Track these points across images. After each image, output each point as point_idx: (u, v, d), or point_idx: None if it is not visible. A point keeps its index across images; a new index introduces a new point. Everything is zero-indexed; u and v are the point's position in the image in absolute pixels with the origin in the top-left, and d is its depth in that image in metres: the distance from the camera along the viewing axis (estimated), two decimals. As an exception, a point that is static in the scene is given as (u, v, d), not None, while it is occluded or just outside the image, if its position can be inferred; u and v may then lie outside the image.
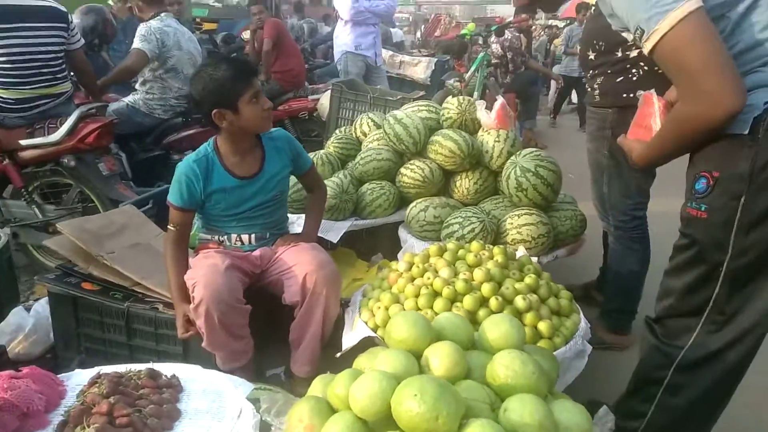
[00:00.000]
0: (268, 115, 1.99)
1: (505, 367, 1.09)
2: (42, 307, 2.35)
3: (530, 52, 8.14)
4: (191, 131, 3.91)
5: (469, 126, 2.74)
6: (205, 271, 1.86)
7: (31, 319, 2.28)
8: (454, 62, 6.68)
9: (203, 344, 1.87)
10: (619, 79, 2.18)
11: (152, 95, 3.83)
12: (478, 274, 1.85)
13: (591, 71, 2.29)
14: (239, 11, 11.59)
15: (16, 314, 2.27)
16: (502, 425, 1.00)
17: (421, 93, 4.19)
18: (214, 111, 1.90)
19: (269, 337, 2.18)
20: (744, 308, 1.34)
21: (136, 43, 3.67)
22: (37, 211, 3.13)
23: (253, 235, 2.11)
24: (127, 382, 1.38)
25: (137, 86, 3.91)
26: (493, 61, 5.92)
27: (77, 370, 1.51)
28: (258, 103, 1.93)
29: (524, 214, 2.37)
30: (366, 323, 1.88)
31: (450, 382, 1.06)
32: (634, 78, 2.13)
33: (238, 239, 2.11)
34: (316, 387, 1.20)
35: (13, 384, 1.31)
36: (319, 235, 2.43)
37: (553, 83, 9.18)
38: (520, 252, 2.19)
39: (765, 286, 1.32)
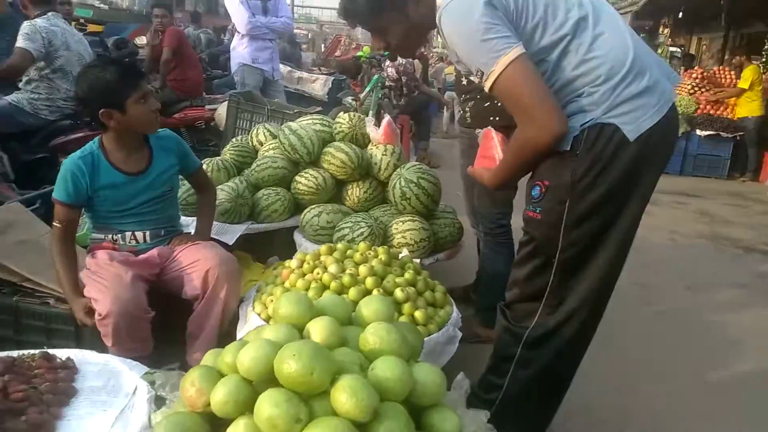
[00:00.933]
0: (156, 116, 2.10)
1: (373, 334, 1.29)
2: None
3: (426, 78, 8.63)
4: (80, 134, 3.83)
5: (359, 140, 2.98)
6: (110, 284, 1.92)
7: None
8: (351, 82, 6.97)
9: (108, 345, 1.90)
10: (486, 104, 2.51)
11: (38, 95, 3.73)
12: (363, 269, 2.06)
13: (463, 95, 2.61)
14: (128, 15, 11.25)
15: None
16: (369, 380, 1.20)
17: (318, 108, 4.39)
18: (102, 111, 1.98)
19: (165, 335, 2.25)
20: (572, 292, 1.64)
21: (20, 42, 3.56)
22: None
23: (147, 233, 2.18)
24: (21, 363, 1.44)
25: (21, 85, 3.79)
26: (387, 83, 6.26)
27: (-34, 357, 1.52)
28: (146, 103, 2.03)
29: (408, 221, 2.63)
30: (259, 315, 2.02)
31: (328, 349, 1.25)
32: (499, 104, 2.47)
33: (132, 237, 2.16)
34: (207, 359, 1.33)
35: None
36: (215, 237, 2.54)
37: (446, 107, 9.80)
38: (404, 253, 2.43)
39: (587, 275, 1.63)
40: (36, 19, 3.69)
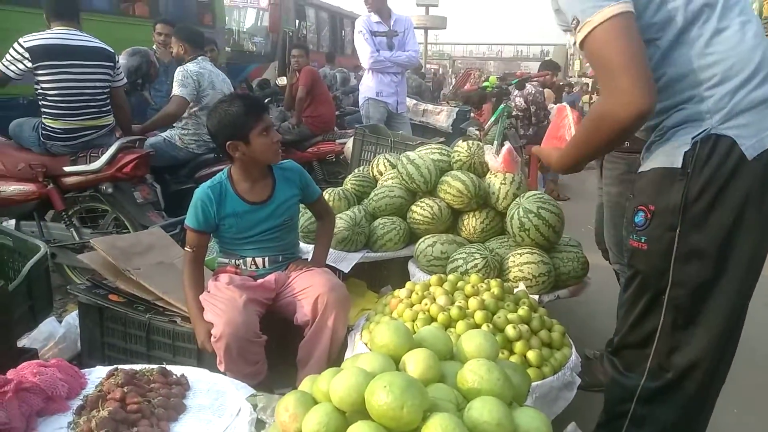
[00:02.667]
0: (277, 148, 2.19)
1: (472, 372, 1.20)
2: (73, 319, 2.55)
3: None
4: (222, 166, 4.14)
5: (478, 169, 2.90)
6: (224, 307, 2.01)
7: (61, 329, 2.47)
8: (474, 112, 6.92)
9: (220, 368, 1.97)
10: None
11: (187, 131, 4.10)
12: (473, 303, 1.97)
13: None
14: (248, 56, 12.18)
15: (48, 324, 2.46)
16: (464, 422, 1.11)
17: (441, 139, 4.39)
18: (228, 143, 2.12)
19: (280, 359, 2.31)
20: (690, 337, 1.39)
21: (176, 89, 3.95)
22: (74, 233, 3.37)
23: (267, 258, 2.27)
24: (141, 377, 1.54)
25: (174, 123, 4.20)
26: (515, 113, 6.12)
27: (98, 367, 1.67)
28: (268, 136, 2.14)
29: (526, 253, 2.49)
30: (366, 344, 2.01)
31: (423, 384, 1.18)
32: None
33: (253, 262, 2.27)
34: (305, 384, 1.32)
35: (41, 371, 1.48)
36: (331, 264, 2.59)
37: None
38: (520, 288, 2.30)
39: (706, 316, 1.36)
40: (187, 65, 4.11)
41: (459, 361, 1.35)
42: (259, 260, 2.28)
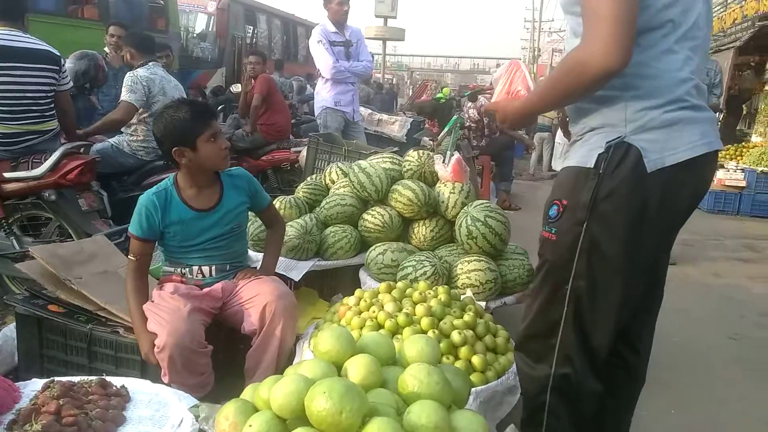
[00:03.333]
0: (226, 155, 2.17)
1: (412, 376, 1.23)
2: (11, 331, 2.45)
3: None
4: (171, 173, 4.08)
5: (428, 178, 2.95)
6: (168, 317, 1.97)
7: (-2, 341, 2.37)
8: (428, 122, 7.03)
9: (165, 380, 1.93)
10: None
11: (136, 137, 4.01)
12: (420, 309, 2.00)
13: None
14: (194, 61, 11.99)
15: (-16, 336, 2.36)
16: (403, 426, 1.13)
17: (395, 149, 4.43)
18: (175, 149, 2.09)
19: (227, 369, 2.28)
20: (594, 327, 1.44)
21: (124, 95, 3.86)
22: (15, 242, 3.24)
23: (213, 267, 2.24)
24: (79, 389, 1.49)
25: (122, 128, 4.11)
26: (468, 123, 6.24)
27: (35, 379, 1.62)
28: (216, 142, 2.11)
29: (473, 261, 2.54)
30: (313, 352, 2.00)
31: (364, 389, 1.19)
32: None
33: (199, 271, 2.24)
34: (246, 393, 1.32)
35: (-30, 385, 1.42)
36: (282, 273, 2.58)
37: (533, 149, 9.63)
38: (467, 294, 2.35)
39: (608, 308, 1.43)
40: (138, 69, 4.02)
41: (401, 366, 1.37)
42: (205, 269, 2.25)
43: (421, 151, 3.04)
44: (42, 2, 7.19)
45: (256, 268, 2.41)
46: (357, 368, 1.25)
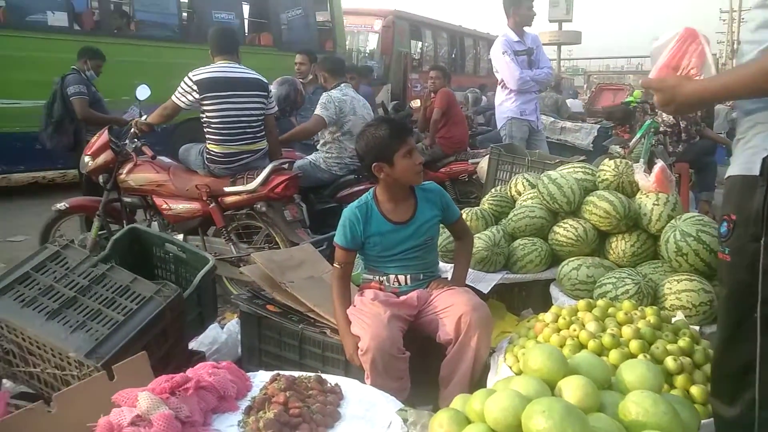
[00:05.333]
0: (420, 170, 2.24)
1: (636, 404, 1.15)
2: (233, 326, 2.80)
3: (711, 121, 7.66)
4: (362, 187, 4.34)
5: (626, 189, 2.76)
6: (370, 322, 2.10)
7: (224, 335, 2.72)
8: (618, 129, 6.56)
9: (367, 382, 2.03)
10: None
11: (330, 155, 4.35)
12: (627, 331, 1.87)
13: None
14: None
15: (213, 329, 2.72)
16: (630, 455, 1.06)
17: (582, 158, 4.22)
18: (374, 164, 2.21)
19: (419, 376, 2.35)
20: None
21: (318, 110, 4.24)
22: (233, 248, 3.69)
23: (408, 276, 2.33)
24: (300, 383, 1.64)
25: (318, 147, 4.48)
26: (662, 128, 5.72)
27: (260, 371, 1.82)
28: (411, 158, 2.20)
29: (684, 280, 2.31)
30: (510, 367, 1.98)
31: (581, 411, 1.14)
32: None
33: (395, 280, 2.34)
34: (457, 403, 1.34)
35: (215, 372, 1.64)
36: (470, 284, 2.59)
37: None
38: (678, 317, 2.14)
39: None
40: (332, 91, 4.37)
41: (619, 392, 1.29)
42: (401, 278, 2.34)
43: (617, 160, 2.86)
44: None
45: (447, 278, 2.45)
46: (573, 389, 1.20)
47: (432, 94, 6.07)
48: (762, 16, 1.26)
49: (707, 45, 1.31)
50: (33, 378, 2.05)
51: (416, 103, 7.65)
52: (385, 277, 2.35)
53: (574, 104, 13.30)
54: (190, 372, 1.64)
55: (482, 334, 2.09)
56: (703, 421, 1.54)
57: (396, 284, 2.35)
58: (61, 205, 3.86)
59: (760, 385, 1.25)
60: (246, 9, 9.19)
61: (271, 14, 9.10)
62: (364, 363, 2.05)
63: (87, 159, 3.84)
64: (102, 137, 3.82)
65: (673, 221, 2.46)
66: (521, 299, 2.87)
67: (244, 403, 1.61)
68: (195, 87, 3.50)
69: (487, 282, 2.72)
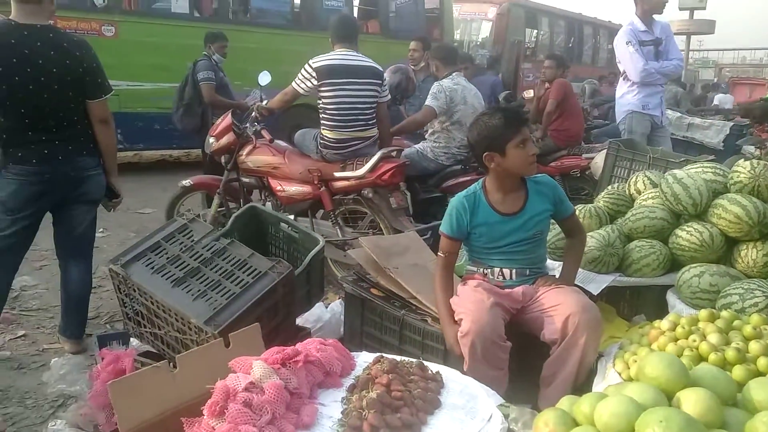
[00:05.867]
0: (533, 161, 2.19)
1: (766, 425, 1.05)
2: (337, 306, 2.90)
3: None
4: (467, 177, 4.29)
5: (763, 193, 2.51)
6: (473, 306, 2.08)
7: (328, 314, 2.83)
8: (755, 127, 5.96)
9: (465, 369, 2.03)
10: None
11: (438, 144, 4.34)
12: (755, 346, 1.71)
13: None
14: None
15: (318, 308, 2.83)
16: (758, 480, 0.98)
17: (711, 157, 3.90)
18: (485, 153, 2.18)
19: (518, 373, 2.31)
20: None
21: (429, 100, 4.23)
22: (339, 231, 3.80)
23: (514, 270, 2.28)
24: (402, 367, 1.67)
25: (426, 136, 4.48)
26: (810, 127, 5.15)
27: (364, 352, 1.87)
28: (525, 148, 2.14)
29: (826, 297, 2.08)
30: (619, 374, 1.88)
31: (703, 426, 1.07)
32: None
33: (500, 273, 2.30)
34: (563, 403, 1.30)
35: (322, 348, 1.71)
36: (579, 284, 2.49)
37: None
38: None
39: None
40: (443, 80, 4.35)
41: (745, 410, 1.19)
42: (506, 271, 2.30)
43: (754, 162, 2.60)
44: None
45: (555, 276, 2.38)
46: (693, 402, 1.13)
47: (546, 84, 5.86)
48: None
49: None
50: (157, 339, 2.26)
51: (529, 94, 7.42)
52: (489, 270, 2.32)
53: (725, 99, 12.17)
54: (299, 346, 1.71)
55: (591, 337, 2.01)
56: None
57: (500, 278, 2.31)
58: (186, 182, 4.17)
59: None
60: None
61: (380, 1, 9.15)
62: (462, 347, 2.04)
63: (211, 140, 4.12)
64: (226, 120, 4.07)
65: (817, 231, 2.22)
66: (633, 304, 2.71)
67: (348, 381, 1.66)
68: (314, 74, 3.62)
69: (597, 283, 2.60)
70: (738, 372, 1.63)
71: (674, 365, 1.22)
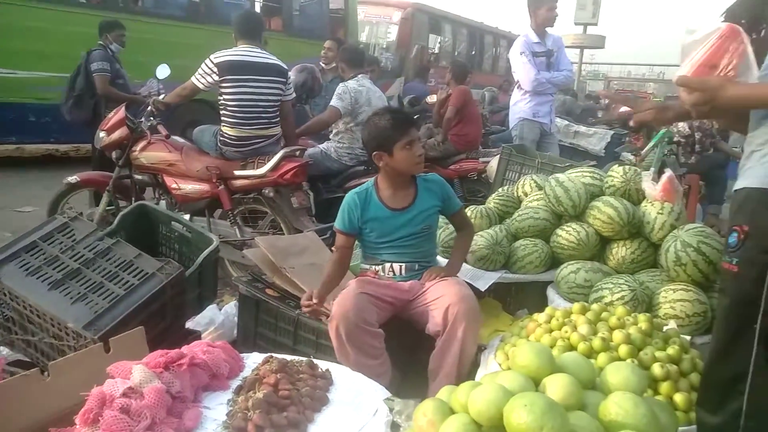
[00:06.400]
0: (420, 161, 2.31)
1: (617, 405, 1.16)
2: (231, 309, 2.83)
3: (727, 134, 7.60)
4: (371, 177, 4.35)
5: (633, 196, 2.76)
6: (340, 295, 2.17)
7: (221, 316, 2.76)
8: (632, 136, 6.52)
9: (338, 357, 2.11)
10: None
11: (342, 144, 4.37)
12: (618, 335, 1.88)
13: None
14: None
15: (210, 310, 2.76)
16: (605, 454, 1.08)
17: (593, 163, 4.21)
18: (375, 153, 2.28)
19: (411, 368, 2.38)
20: None
21: (333, 101, 4.26)
22: (237, 231, 3.72)
23: (403, 266, 2.37)
24: (291, 366, 1.67)
25: (331, 136, 4.50)
26: (677, 138, 5.69)
27: (254, 353, 1.85)
28: (411, 149, 2.25)
29: (680, 290, 2.31)
30: (500, 365, 1.99)
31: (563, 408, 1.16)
32: None
33: (390, 269, 2.38)
34: (443, 393, 1.36)
35: (209, 350, 1.67)
36: (468, 281, 2.61)
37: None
38: (670, 326, 2.15)
39: None
40: (348, 82, 4.39)
41: (602, 393, 1.31)
42: (396, 266, 2.38)
43: (626, 167, 2.85)
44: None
45: (440, 267, 2.48)
46: (557, 387, 1.22)
47: (448, 90, 6.06)
48: None
49: (749, 45, 1.26)
50: (30, 346, 2.10)
51: (432, 98, 7.63)
52: (380, 266, 2.39)
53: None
54: (185, 348, 1.67)
55: (469, 327, 2.11)
56: (682, 429, 1.56)
57: (391, 274, 2.38)
58: (72, 179, 3.91)
59: (749, 395, 1.28)
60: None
61: None
62: (330, 332, 2.12)
63: (102, 134, 3.89)
64: (119, 113, 3.86)
65: (675, 231, 2.46)
66: (518, 299, 2.88)
67: (236, 383, 1.64)
68: (215, 69, 3.53)
69: (485, 280, 2.73)
70: (602, 359, 1.78)
71: (542, 354, 1.31)
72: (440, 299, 2.18)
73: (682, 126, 5.97)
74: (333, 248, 2.39)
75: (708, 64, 1.30)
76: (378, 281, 2.32)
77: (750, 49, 1.27)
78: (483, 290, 2.69)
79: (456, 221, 2.58)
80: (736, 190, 1.35)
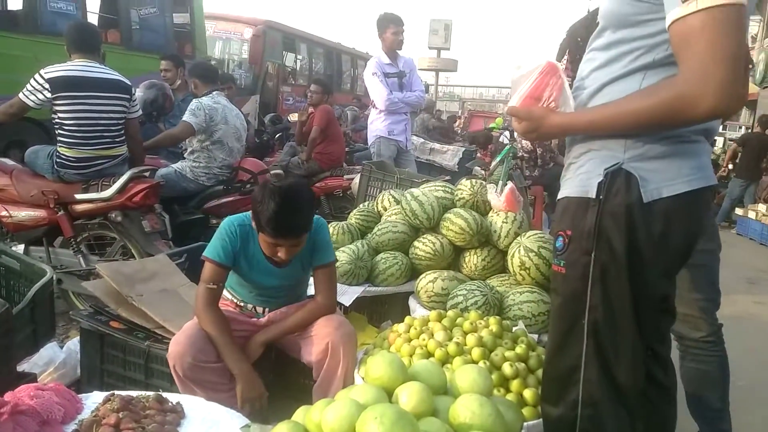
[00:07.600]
0: (279, 259, 2.05)
1: (465, 407, 1.21)
2: (74, 345, 2.56)
3: (564, 150, 8.42)
4: (231, 198, 4.22)
5: (481, 207, 2.94)
6: (182, 329, 2.03)
7: (62, 354, 2.49)
8: (481, 152, 7.01)
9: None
10: None
11: (198, 164, 4.18)
12: (471, 339, 1.98)
13: None
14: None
15: (49, 348, 2.47)
16: (454, 456, 1.11)
17: (447, 177, 4.44)
18: (254, 221, 2.02)
19: (281, 392, 2.29)
20: (616, 362, 1.36)
21: (186, 116, 4.08)
22: (82, 260, 3.41)
23: (267, 309, 2.28)
24: (137, 403, 1.54)
25: (186, 155, 4.29)
26: (521, 154, 6.20)
27: (96, 392, 1.68)
28: (275, 250, 2.02)
29: (526, 292, 2.50)
30: (363, 378, 2.00)
31: (415, 417, 1.19)
32: None
33: (254, 309, 2.29)
34: (298, 415, 1.33)
35: (38, 394, 1.49)
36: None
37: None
38: (519, 326, 2.30)
39: (627, 341, 1.35)
40: (203, 98, 4.22)
41: (452, 396, 1.35)
42: (259, 309, 2.28)
43: (473, 180, 3.04)
44: (61, 26, 7.26)
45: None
46: (409, 396, 1.25)
47: (311, 109, 6.07)
48: (617, 40, 1.36)
49: (566, 80, 1.41)
50: None
51: (294, 117, 7.60)
52: (243, 305, 2.29)
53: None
54: (8, 396, 1.48)
55: (347, 351, 2.07)
56: (528, 423, 1.67)
57: (254, 311, 2.29)
58: None
59: (583, 385, 1.38)
60: (89, 1, 8.26)
61: (120, 10, 8.36)
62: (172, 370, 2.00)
63: None
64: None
65: (518, 238, 2.66)
66: (382, 311, 2.93)
67: (72, 427, 1.48)
68: (47, 85, 3.22)
69: (349, 295, 2.74)
70: (457, 363, 1.86)
71: (394, 364, 1.33)
72: (315, 330, 2.12)
73: (526, 143, 6.52)
74: (205, 284, 2.06)
75: (533, 96, 1.44)
76: (233, 316, 2.19)
77: (567, 84, 1.43)
78: (347, 305, 2.70)
79: (317, 278, 2.23)
80: (559, 199, 1.49)
